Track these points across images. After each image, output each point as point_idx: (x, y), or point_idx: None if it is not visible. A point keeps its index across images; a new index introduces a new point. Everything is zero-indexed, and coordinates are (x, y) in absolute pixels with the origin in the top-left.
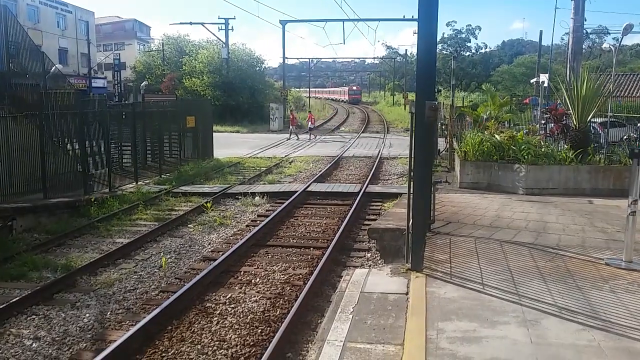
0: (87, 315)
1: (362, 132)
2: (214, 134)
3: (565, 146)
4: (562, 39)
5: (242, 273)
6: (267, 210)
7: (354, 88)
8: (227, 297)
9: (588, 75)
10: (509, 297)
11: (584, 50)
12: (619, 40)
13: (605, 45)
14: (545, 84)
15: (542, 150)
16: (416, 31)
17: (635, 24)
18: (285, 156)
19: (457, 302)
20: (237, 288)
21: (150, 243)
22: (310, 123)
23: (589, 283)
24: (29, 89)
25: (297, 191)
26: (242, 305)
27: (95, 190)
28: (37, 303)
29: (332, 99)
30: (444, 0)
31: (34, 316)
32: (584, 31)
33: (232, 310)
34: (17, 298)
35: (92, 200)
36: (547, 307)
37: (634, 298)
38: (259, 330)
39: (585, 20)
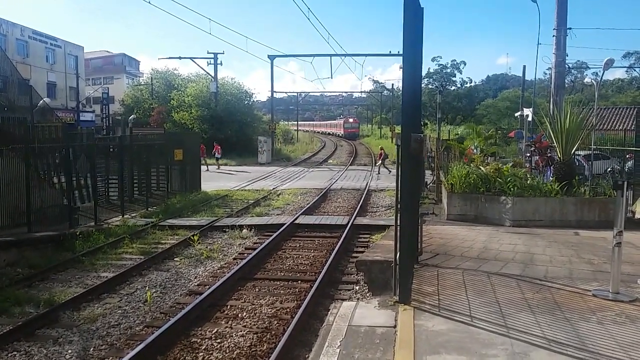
0: (70, 351)
1: (350, 165)
2: (202, 166)
3: (551, 178)
4: (545, 74)
5: (228, 307)
6: (254, 243)
7: (350, 120)
8: (213, 331)
9: (571, 109)
10: (498, 330)
11: (566, 85)
12: (601, 74)
13: (587, 80)
14: (530, 118)
15: (528, 182)
16: (402, 66)
17: (616, 59)
18: (274, 189)
19: (446, 335)
20: (223, 322)
21: (135, 277)
22: (217, 153)
23: (576, 315)
24: (16, 123)
25: (284, 224)
26: (229, 340)
27: (80, 223)
28: (18, 339)
29: (324, 133)
30: (429, 35)
31: (15, 352)
32: (566, 66)
33: (218, 345)
34: None
35: (77, 233)
36: (535, 340)
37: (621, 329)
38: None
39: (567, 55)
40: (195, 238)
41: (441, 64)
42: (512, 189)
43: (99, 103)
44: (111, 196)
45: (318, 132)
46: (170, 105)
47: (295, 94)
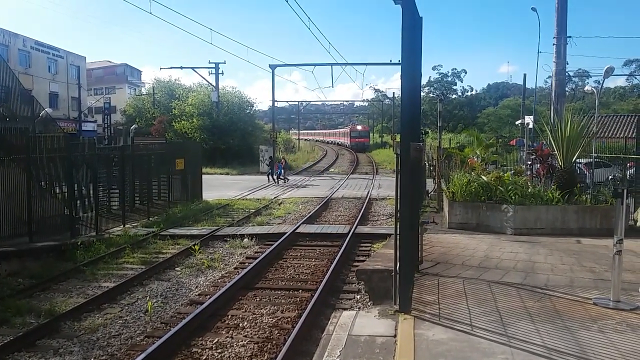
0: None
1: (352, 174)
2: (204, 175)
3: (552, 186)
4: (546, 82)
5: (229, 317)
6: (255, 252)
7: (359, 128)
8: (214, 341)
9: (572, 116)
10: (498, 339)
11: (567, 93)
12: (601, 82)
13: (587, 88)
14: (531, 126)
15: (529, 190)
16: (401, 75)
17: (617, 67)
18: (275, 198)
19: (446, 344)
20: (224, 332)
21: (136, 287)
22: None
23: (577, 323)
24: (18, 133)
25: (286, 233)
26: (229, 350)
27: (82, 233)
28: (19, 350)
29: (327, 142)
30: (429, 45)
31: None
32: (567, 74)
33: (219, 356)
34: None
35: (79, 243)
36: (536, 349)
37: (622, 338)
38: None
39: (568, 63)
40: (197, 247)
41: (442, 73)
42: (513, 197)
43: (100, 113)
44: (112, 206)
45: (321, 142)
46: (171, 114)
47: (297, 103)
